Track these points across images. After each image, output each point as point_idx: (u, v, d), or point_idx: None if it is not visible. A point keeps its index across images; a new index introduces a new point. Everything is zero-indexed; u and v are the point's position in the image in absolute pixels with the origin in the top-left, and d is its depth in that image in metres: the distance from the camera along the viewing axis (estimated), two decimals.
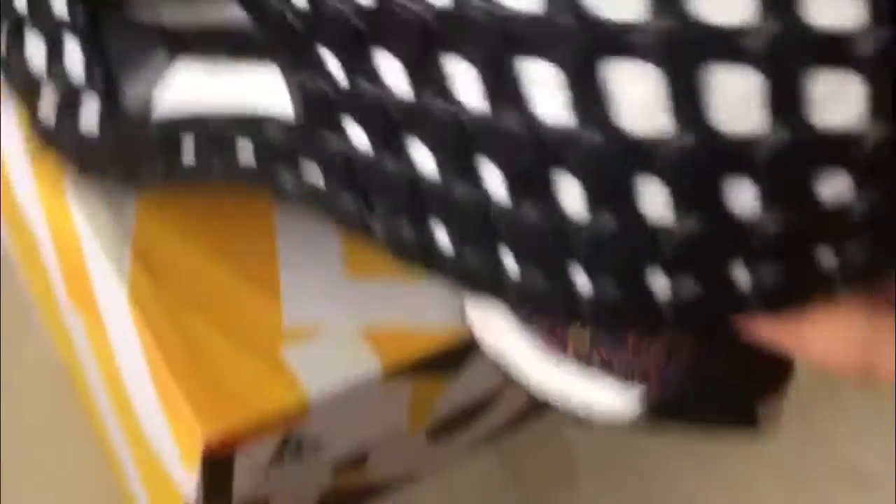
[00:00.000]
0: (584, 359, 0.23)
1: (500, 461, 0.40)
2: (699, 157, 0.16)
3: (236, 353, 0.27)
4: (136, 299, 0.27)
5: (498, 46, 0.17)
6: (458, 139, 0.18)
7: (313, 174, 0.22)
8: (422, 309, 0.29)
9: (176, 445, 0.26)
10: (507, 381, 0.31)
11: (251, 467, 0.27)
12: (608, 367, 0.23)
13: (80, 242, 0.28)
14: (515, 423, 0.38)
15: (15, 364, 0.36)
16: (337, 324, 0.28)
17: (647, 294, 0.18)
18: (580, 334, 0.23)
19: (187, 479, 0.26)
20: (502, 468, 0.40)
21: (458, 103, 0.18)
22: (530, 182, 0.18)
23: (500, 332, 0.25)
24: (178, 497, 0.28)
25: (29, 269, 0.36)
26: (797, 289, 0.17)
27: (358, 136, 0.20)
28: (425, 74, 0.18)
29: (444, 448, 0.36)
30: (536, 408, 0.38)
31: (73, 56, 0.24)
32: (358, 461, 0.33)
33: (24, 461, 0.35)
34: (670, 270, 0.17)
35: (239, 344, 0.27)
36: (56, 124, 0.25)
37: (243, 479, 0.27)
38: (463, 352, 0.29)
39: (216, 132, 0.23)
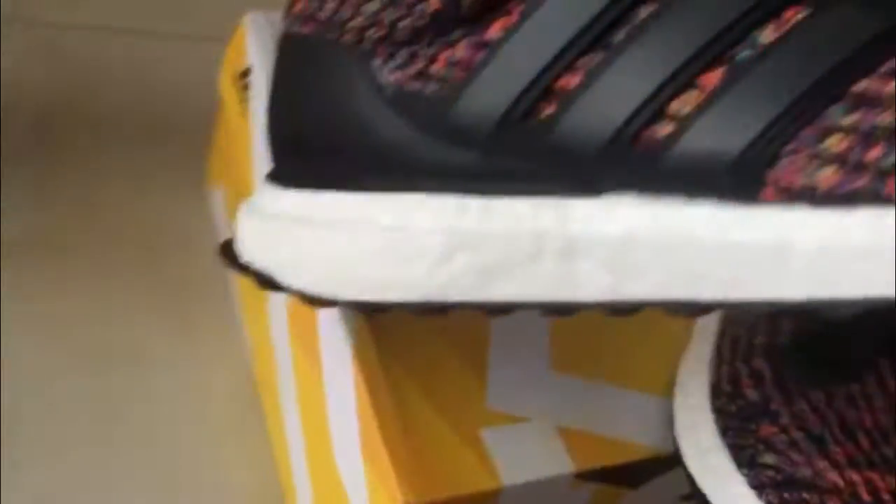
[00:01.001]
0: None
1: None
2: None
3: (442, 425, 0.28)
4: (360, 354, 0.28)
5: None
6: None
7: None
8: (619, 417, 0.29)
9: (371, 502, 0.28)
10: (675, 502, 0.31)
11: None
12: None
13: None
14: None
15: (206, 362, 0.38)
16: (536, 416, 0.29)
17: None
18: None
19: None
20: None
21: None
22: None
23: (737, 499, 0.25)
24: None
25: (246, 289, 0.38)
26: None
27: None
28: None
29: None
30: None
31: None
32: None
33: (193, 468, 0.36)
34: None
35: (444, 415, 0.28)
36: None
37: None
38: (650, 470, 0.30)
39: None
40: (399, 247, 0.23)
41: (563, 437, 0.29)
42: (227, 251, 0.26)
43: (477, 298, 0.23)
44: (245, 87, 0.34)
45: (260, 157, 0.33)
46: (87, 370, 0.37)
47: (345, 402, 0.29)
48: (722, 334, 0.28)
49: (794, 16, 0.19)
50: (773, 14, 0.19)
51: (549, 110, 0.21)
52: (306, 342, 0.31)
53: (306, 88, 0.25)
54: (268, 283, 0.25)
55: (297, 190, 0.25)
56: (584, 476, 0.29)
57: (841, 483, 0.23)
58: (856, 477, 0.23)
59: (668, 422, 0.29)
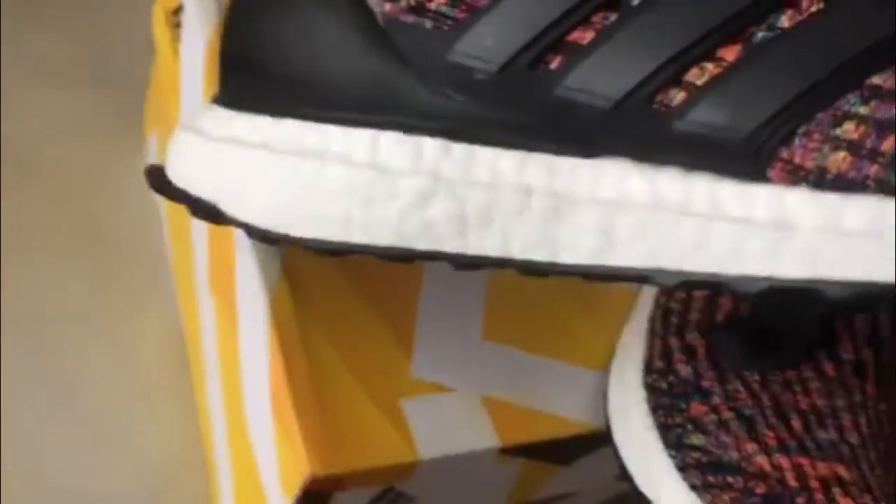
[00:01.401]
0: None
1: None
2: None
3: (358, 394, 0.26)
4: (276, 315, 0.26)
5: None
6: None
7: None
8: (552, 391, 0.28)
9: (278, 468, 0.26)
10: (610, 479, 0.29)
11: None
12: None
13: (233, 239, 0.28)
14: None
15: (137, 322, 0.37)
16: (463, 387, 0.27)
17: None
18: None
19: (280, 502, 0.26)
20: None
21: None
22: None
23: (661, 483, 0.23)
24: None
25: (174, 232, 0.36)
26: None
27: None
28: None
29: None
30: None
31: None
32: None
33: (121, 424, 0.35)
34: None
35: (362, 383, 0.26)
36: None
37: None
38: (580, 447, 0.28)
39: None
40: (371, 185, 0.21)
41: (490, 410, 0.27)
42: (157, 176, 0.24)
43: (449, 249, 0.22)
44: (177, 26, 0.32)
45: (189, 98, 0.31)
46: (16, 324, 0.35)
47: (258, 364, 0.27)
48: (657, 308, 0.26)
49: (811, 5, 0.20)
50: (791, 1, 0.20)
51: (556, 63, 0.21)
52: (225, 296, 0.30)
53: (276, 6, 0.23)
54: (206, 212, 0.23)
55: (252, 114, 0.23)
56: (509, 451, 0.27)
57: (768, 468, 0.22)
58: (784, 462, 0.22)
59: (603, 397, 0.28)
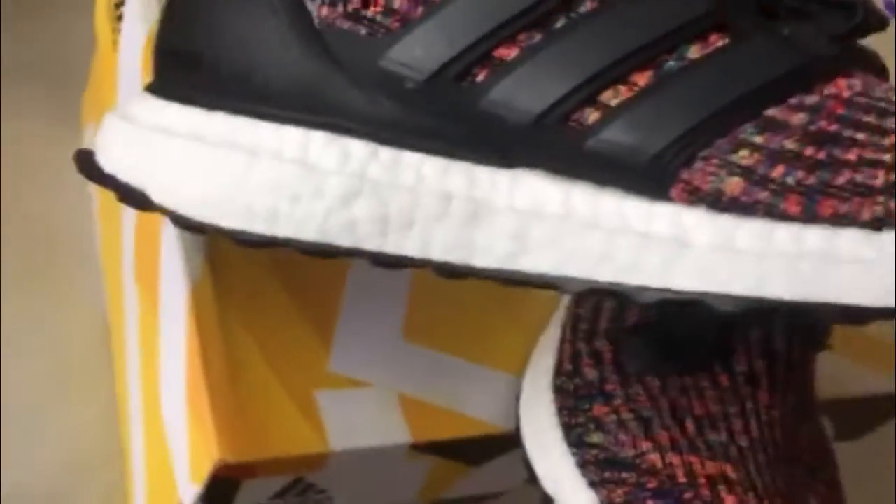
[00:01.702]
0: None
1: None
2: None
3: (273, 383, 0.27)
4: (196, 303, 0.27)
5: None
6: None
7: None
8: (467, 393, 0.29)
9: (189, 454, 0.26)
10: (520, 483, 0.30)
11: (255, 496, 0.27)
12: None
13: (160, 229, 0.28)
14: None
15: (61, 306, 0.37)
16: (379, 383, 0.28)
17: None
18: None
19: (189, 488, 0.26)
20: None
21: None
22: None
23: (562, 479, 0.24)
24: (174, 499, 0.28)
25: (104, 221, 0.36)
26: None
27: None
28: None
29: None
30: None
31: None
32: None
33: (41, 404, 0.35)
34: None
35: (278, 374, 0.27)
36: None
37: None
38: (492, 448, 0.29)
39: None
40: (298, 182, 0.22)
41: (404, 407, 0.28)
42: (86, 161, 0.25)
43: (370, 248, 0.22)
44: (119, 18, 0.33)
45: (127, 89, 0.32)
46: None
47: (176, 350, 0.27)
48: (569, 316, 0.27)
49: (718, 41, 0.21)
50: (700, 35, 0.21)
51: (481, 76, 0.22)
52: (148, 283, 0.30)
53: (217, 3, 0.23)
54: (134, 198, 0.23)
55: (186, 105, 0.23)
56: (420, 448, 0.28)
57: (660, 465, 0.23)
58: (675, 460, 0.23)
59: (517, 400, 0.29)
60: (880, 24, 0.22)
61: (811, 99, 0.21)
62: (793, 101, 0.21)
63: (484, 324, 0.30)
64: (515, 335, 0.30)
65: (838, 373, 0.33)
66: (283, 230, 0.22)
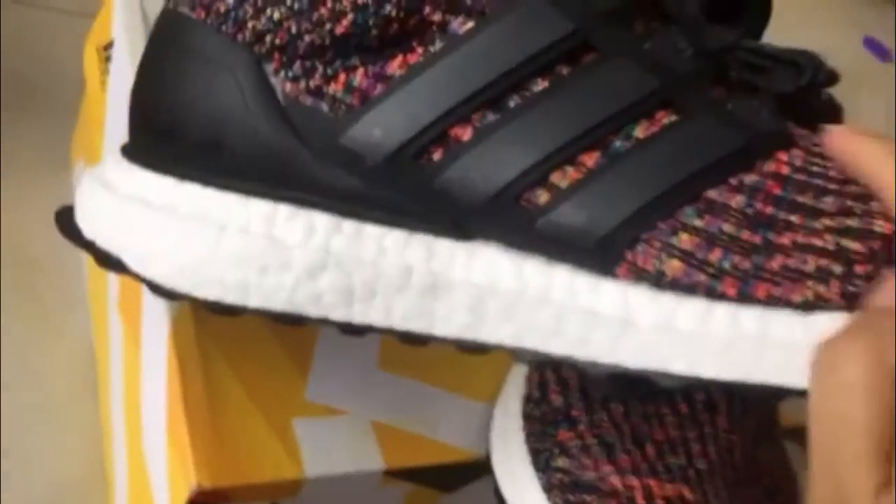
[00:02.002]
0: None
1: None
2: None
3: (251, 410, 0.27)
4: (176, 332, 0.27)
5: None
6: None
7: None
8: (440, 421, 0.29)
9: (168, 482, 0.27)
10: None
11: None
12: None
13: None
14: None
15: (50, 339, 0.38)
16: (353, 412, 0.29)
17: None
18: None
19: None
20: None
21: None
22: None
23: (530, 502, 0.25)
24: None
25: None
26: None
27: None
28: None
29: None
30: None
31: None
32: None
33: (27, 434, 0.36)
34: None
35: (256, 402, 0.28)
36: None
37: None
38: (464, 475, 0.30)
39: None
40: (266, 255, 0.23)
41: (378, 434, 0.28)
42: (66, 221, 0.25)
43: (337, 318, 0.23)
44: (107, 59, 0.34)
45: (112, 131, 0.33)
46: None
47: (156, 379, 0.28)
48: None
49: (664, 118, 0.22)
50: (647, 113, 0.22)
51: (438, 155, 0.22)
52: (131, 316, 0.31)
53: (186, 74, 0.24)
54: (112, 264, 0.24)
55: (158, 174, 0.24)
56: (394, 474, 0.28)
57: (620, 487, 0.24)
58: (635, 483, 0.24)
59: (488, 427, 0.29)
60: (829, 81, 0.23)
61: (750, 178, 0.21)
62: (733, 180, 0.21)
63: (457, 354, 0.31)
64: (488, 365, 0.31)
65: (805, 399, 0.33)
66: (253, 301, 0.23)
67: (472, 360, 0.31)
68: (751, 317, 0.20)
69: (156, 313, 0.28)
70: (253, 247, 0.23)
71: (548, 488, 0.25)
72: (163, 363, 0.28)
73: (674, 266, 0.21)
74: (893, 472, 0.18)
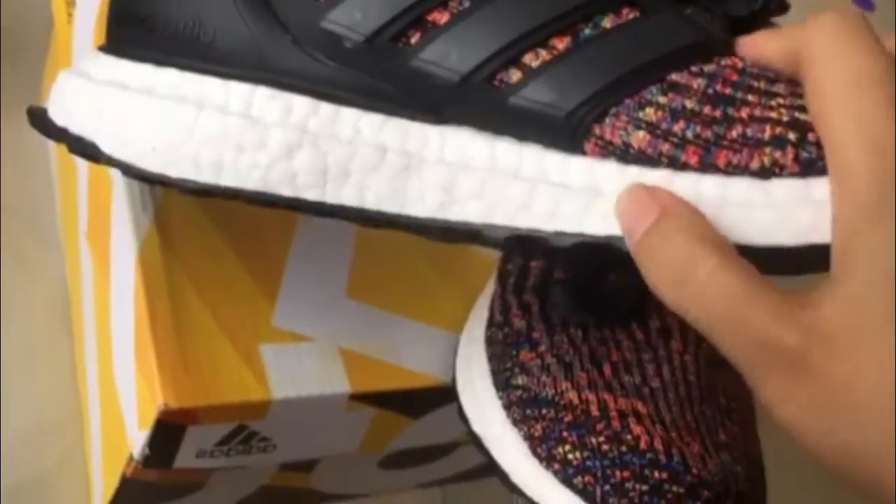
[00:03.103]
0: (566, 482, 0.24)
1: (443, 499, 0.41)
2: None
3: (218, 335, 0.28)
4: (143, 259, 0.28)
5: None
6: None
7: None
8: (407, 348, 0.30)
9: (136, 402, 0.28)
10: (464, 440, 0.31)
11: (200, 442, 0.28)
12: (589, 497, 0.24)
13: (111, 190, 0.29)
14: (466, 476, 0.39)
15: (24, 277, 0.38)
16: (320, 337, 0.29)
17: None
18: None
19: (137, 435, 0.28)
20: (442, 502, 0.41)
21: None
22: None
23: (489, 421, 0.26)
24: (125, 450, 0.29)
25: (62, 190, 0.37)
26: None
27: None
28: None
29: (393, 477, 0.37)
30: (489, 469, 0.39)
31: None
32: (305, 467, 0.33)
33: (5, 369, 0.36)
34: None
35: (223, 327, 0.28)
36: None
37: (189, 451, 0.28)
38: (429, 401, 0.30)
39: None
40: (243, 134, 0.23)
41: (344, 359, 0.29)
42: (38, 115, 0.26)
43: (310, 197, 0.23)
44: None
45: (81, 57, 0.33)
46: None
47: (124, 304, 0.28)
48: (499, 272, 0.29)
49: (629, 14, 0.23)
50: (614, 8, 0.23)
51: (415, 38, 0.23)
52: (99, 244, 0.31)
53: None
54: (85, 150, 0.24)
55: (137, 62, 0.24)
56: (359, 398, 0.29)
57: (576, 401, 0.24)
58: (591, 397, 0.24)
59: (454, 354, 0.30)
60: (780, 9, 0.24)
61: (709, 67, 0.22)
62: (694, 68, 0.22)
63: (426, 284, 0.31)
64: (455, 296, 0.31)
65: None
66: (226, 180, 0.23)
67: (439, 290, 0.32)
68: (711, 184, 0.21)
69: (123, 240, 0.29)
70: (230, 126, 0.23)
71: (507, 405, 0.25)
72: (130, 288, 0.28)
73: (639, 137, 0.22)
74: None
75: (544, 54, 0.23)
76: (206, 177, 0.23)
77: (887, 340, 0.17)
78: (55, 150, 0.39)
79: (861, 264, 0.18)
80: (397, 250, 0.31)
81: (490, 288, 0.30)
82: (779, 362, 0.18)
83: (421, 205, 0.24)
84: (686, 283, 0.20)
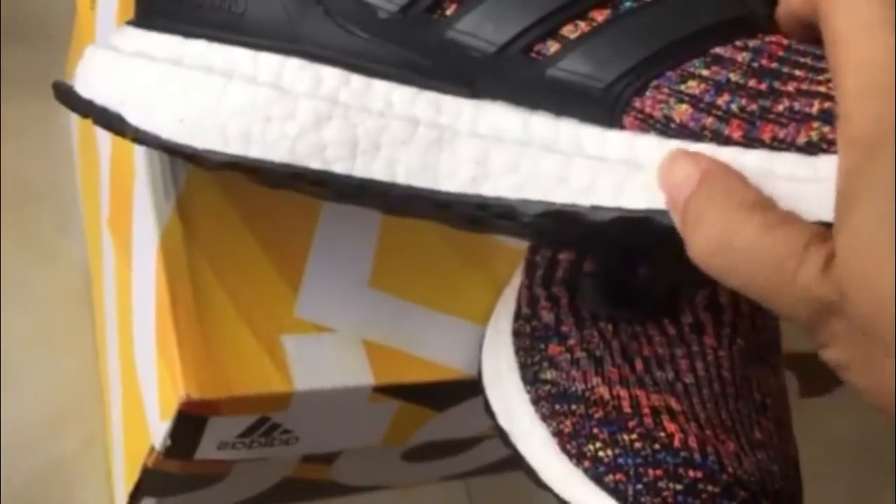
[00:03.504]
0: (597, 480, 0.23)
1: (466, 491, 0.40)
2: None
3: (240, 326, 0.27)
4: (165, 247, 0.27)
5: None
6: None
7: None
8: (431, 340, 0.29)
9: (158, 393, 0.27)
10: (490, 434, 0.31)
11: (222, 434, 0.28)
12: (621, 496, 0.23)
13: (133, 177, 0.29)
14: (490, 469, 0.38)
15: (47, 263, 0.38)
16: (344, 328, 0.29)
17: None
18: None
19: (159, 426, 0.27)
20: (466, 495, 0.40)
21: None
22: None
23: (517, 416, 0.25)
24: (146, 440, 0.28)
25: (85, 177, 0.37)
26: None
27: None
28: None
29: (417, 469, 0.37)
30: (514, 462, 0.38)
31: None
32: (326, 459, 0.33)
33: (27, 355, 0.36)
34: None
35: (246, 318, 0.28)
36: None
37: (211, 443, 0.28)
38: (454, 394, 0.30)
39: None
40: (272, 105, 0.23)
41: (368, 351, 0.28)
42: (64, 89, 0.25)
43: (339, 170, 0.23)
44: None
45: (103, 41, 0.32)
46: None
47: (146, 293, 0.28)
48: (527, 264, 0.28)
49: None
50: None
51: (451, 9, 0.23)
52: (122, 232, 0.31)
53: None
54: (111, 122, 0.24)
55: (165, 34, 0.24)
56: (383, 390, 0.28)
57: (608, 397, 0.24)
58: (623, 393, 0.24)
59: (480, 347, 0.29)
60: None
61: (754, 42, 0.22)
62: (738, 42, 0.22)
63: (451, 274, 0.31)
64: (481, 286, 0.31)
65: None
66: (254, 151, 0.23)
67: (465, 281, 0.31)
68: (756, 158, 0.20)
69: (145, 228, 0.28)
70: (259, 96, 0.23)
71: (535, 400, 0.25)
72: (152, 277, 0.28)
73: (681, 110, 0.21)
74: None
75: (583, 26, 0.22)
76: (233, 148, 0.23)
77: (893, 272, 0.17)
78: (78, 136, 0.39)
79: (861, 203, 0.18)
80: (422, 240, 0.31)
81: (517, 280, 0.30)
82: (823, 313, 0.19)
83: (453, 179, 0.23)
84: (729, 248, 0.19)
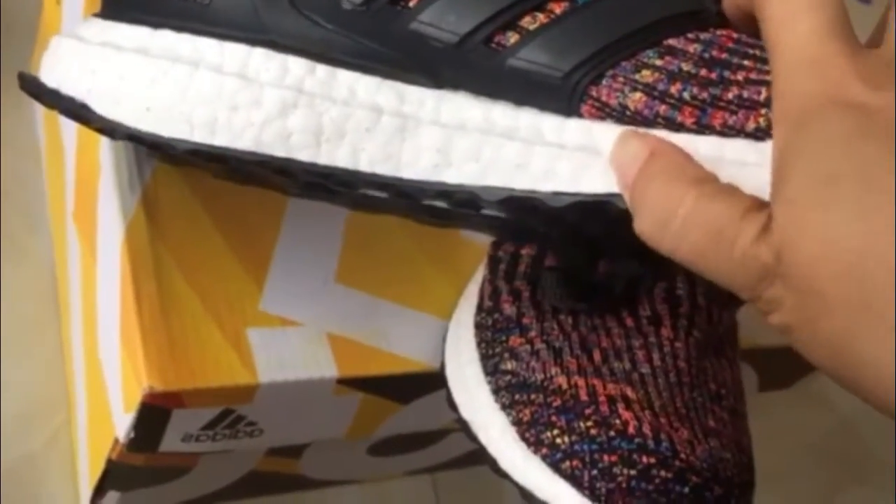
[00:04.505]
0: (554, 466, 0.24)
1: (432, 484, 0.41)
2: None
3: (204, 318, 0.28)
4: (130, 240, 0.28)
5: None
6: None
7: None
8: (395, 334, 0.30)
9: (122, 385, 0.27)
10: (454, 428, 0.31)
11: (186, 426, 0.28)
12: (576, 481, 0.24)
13: (99, 171, 0.29)
14: (456, 464, 0.39)
15: (14, 259, 0.38)
16: (308, 322, 0.29)
17: None
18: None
19: (123, 418, 0.27)
20: (433, 490, 0.41)
21: None
22: None
23: (477, 406, 0.25)
24: (111, 433, 0.29)
25: (51, 172, 0.37)
26: None
27: None
28: None
29: (383, 464, 0.37)
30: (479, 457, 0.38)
31: None
32: (293, 453, 0.33)
33: None
34: None
35: (210, 310, 0.28)
36: None
37: (175, 435, 0.28)
38: (418, 387, 0.30)
39: None
40: (237, 93, 0.23)
41: (332, 344, 0.29)
42: (30, 80, 0.25)
43: (303, 158, 0.23)
44: None
45: None
46: None
47: (111, 286, 0.28)
48: (489, 259, 0.28)
49: None
50: None
51: (414, 1, 0.23)
52: (87, 225, 0.31)
53: None
54: (77, 111, 0.24)
55: (131, 24, 0.24)
56: (347, 382, 0.29)
57: (565, 386, 0.24)
58: (580, 382, 0.24)
59: (443, 341, 0.30)
60: None
61: (706, 35, 0.22)
62: (690, 34, 0.22)
63: (416, 270, 0.31)
64: (445, 282, 0.31)
65: (759, 323, 0.34)
66: (220, 139, 0.23)
67: (429, 276, 0.31)
68: (707, 144, 0.21)
69: (110, 221, 0.28)
70: (225, 85, 0.23)
71: (496, 390, 0.25)
72: (117, 270, 0.28)
73: (636, 98, 0.22)
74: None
75: (542, 17, 0.23)
76: (199, 136, 0.23)
77: (822, 232, 0.18)
78: (45, 129, 0.39)
79: (794, 171, 0.19)
80: (387, 236, 0.31)
81: (480, 274, 0.30)
82: (764, 279, 0.19)
83: (416, 167, 0.23)
84: (672, 220, 0.20)
